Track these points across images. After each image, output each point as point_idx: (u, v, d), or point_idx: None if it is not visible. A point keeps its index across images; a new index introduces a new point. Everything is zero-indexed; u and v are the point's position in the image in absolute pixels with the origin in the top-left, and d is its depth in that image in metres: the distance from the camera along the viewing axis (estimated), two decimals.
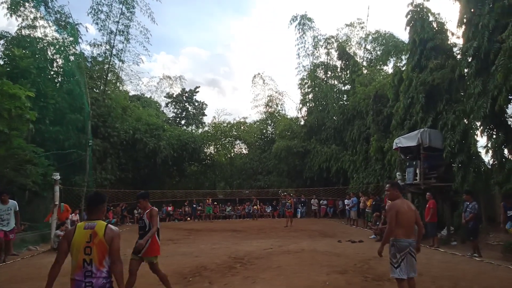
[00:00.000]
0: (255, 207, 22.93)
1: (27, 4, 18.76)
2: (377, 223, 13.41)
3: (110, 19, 22.58)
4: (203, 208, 23.84)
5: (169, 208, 23.05)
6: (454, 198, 11.93)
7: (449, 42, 13.42)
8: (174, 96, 38.70)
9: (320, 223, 19.29)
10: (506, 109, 9.93)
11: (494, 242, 9.87)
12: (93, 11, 22.09)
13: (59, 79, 19.24)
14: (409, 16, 14.24)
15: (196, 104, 39.54)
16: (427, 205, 10.71)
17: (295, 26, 27.27)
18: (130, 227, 18.74)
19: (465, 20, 11.09)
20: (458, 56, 12.50)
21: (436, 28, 13.61)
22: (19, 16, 18.57)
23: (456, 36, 13.08)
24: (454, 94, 12.31)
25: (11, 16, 18.26)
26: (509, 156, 9.91)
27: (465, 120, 11.44)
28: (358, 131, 20.36)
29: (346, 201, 19.04)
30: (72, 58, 19.58)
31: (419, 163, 12.53)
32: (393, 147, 14.19)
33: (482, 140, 11.00)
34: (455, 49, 13.25)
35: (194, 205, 23.40)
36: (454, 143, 11.37)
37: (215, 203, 24.83)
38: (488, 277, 6.53)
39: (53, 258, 3.13)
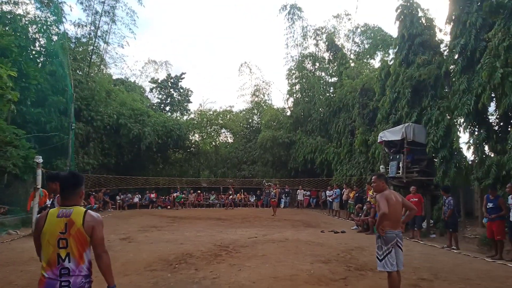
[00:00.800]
0: (230, 196, 22.94)
1: None
2: (360, 214, 13.68)
3: None
4: (187, 196, 23.86)
5: (152, 195, 22.90)
6: (434, 192, 12.28)
7: (436, 39, 13.64)
8: (159, 81, 38.09)
9: (303, 213, 19.55)
10: (489, 107, 10.20)
11: (471, 235, 10.25)
12: None
13: (42, 60, 18.63)
14: (399, 11, 14.33)
15: (182, 90, 39.05)
16: (414, 199, 10.64)
17: (285, 16, 27.17)
18: (112, 213, 18.59)
19: (453, 17, 11.27)
20: (445, 53, 12.72)
21: (425, 24, 13.78)
22: None
23: (443, 33, 13.33)
24: (440, 90, 12.57)
25: None
26: (489, 152, 10.23)
27: (449, 116, 11.71)
28: (344, 123, 20.55)
29: (328, 193, 19.32)
30: (55, 38, 18.94)
31: (402, 157, 12.79)
32: (378, 141, 14.40)
33: (464, 137, 11.32)
34: (442, 46, 13.50)
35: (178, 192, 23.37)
36: (437, 138, 11.64)
37: (199, 191, 24.82)
38: (465, 269, 6.77)
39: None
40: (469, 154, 11.19)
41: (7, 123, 12.82)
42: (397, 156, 13.27)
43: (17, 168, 12.69)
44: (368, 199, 13.65)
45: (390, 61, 16.52)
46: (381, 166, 13.95)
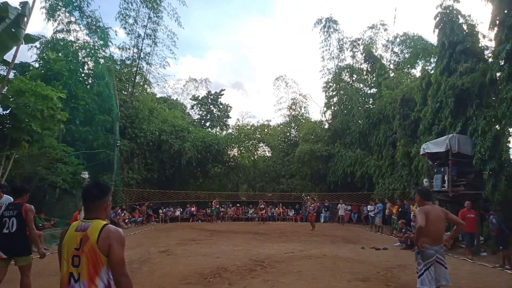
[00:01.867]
0: (262, 211, 22.32)
1: (63, 9, 19.66)
2: (403, 230, 13.07)
3: (137, 23, 23.31)
4: (226, 210, 24.12)
5: (193, 209, 23.38)
6: (483, 207, 11.46)
7: (480, 45, 12.95)
8: (200, 98, 39.35)
9: (343, 229, 19.00)
10: None
11: None
12: (121, 16, 22.80)
13: (90, 81, 20.03)
14: (437, 19, 13.85)
15: (221, 106, 40.04)
16: (471, 215, 9.99)
17: (320, 29, 27.10)
18: (155, 226, 19.18)
19: (497, 21, 10.69)
20: (490, 60, 12.05)
21: (467, 31, 13.18)
22: (55, 20, 19.50)
23: (487, 39, 12.62)
24: (485, 98, 11.86)
25: (48, 20, 19.21)
26: None
27: (497, 126, 11.00)
28: (384, 135, 19.93)
29: (369, 207, 18.66)
30: (102, 61, 20.38)
31: (447, 170, 12.12)
32: (421, 153, 13.80)
33: None
34: (486, 52, 12.80)
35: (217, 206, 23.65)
36: (485, 149, 10.94)
37: (238, 205, 24.99)
38: None
39: None
40: None
41: (57, 141, 13.81)
42: (442, 169, 12.59)
43: (67, 183, 13.58)
44: (412, 214, 13.04)
45: (431, 70, 15.91)
46: (425, 180, 13.31)
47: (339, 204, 21.60)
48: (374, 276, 7.21)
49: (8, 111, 10.73)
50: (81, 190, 2.59)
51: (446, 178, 12.14)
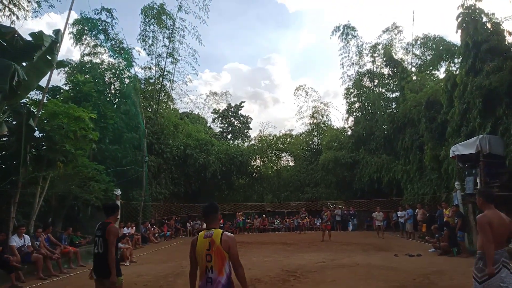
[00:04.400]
0: (304, 220, 22.18)
1: (89, 33, 20.59)
2: (436, 236, 12.73)
3: (158, 43, 24.02)
4: (252, 221, 24.16)
5: (220, 221, 23.54)
6: None
7: (506, 43, 12.61)
8: (220, 111, 39.88)
9: (373, 236, 18.64)
10: None
11: None
12: (141, 38, 23.59)
13: (116, 101, 20.74)
14: (460, 19, 13.63)
15: (241, 118, 40.43)
16: None
17: (338, 36, 27.13)
18: (183, 240, 19.42)
19: None
20: None
21: (491, 29, 12.88)
22: (82, 44, 20.43)
23: None
24: None
25: (76, 45, 20.17)
26: None
27: None
28: (410, 139, 19.56)
29: (399, 213, 18.22)
30: (127, 80, 21.11)
31: (479, 172, 11.78)
32: (450, 155, 13.48)
33: None
34: None
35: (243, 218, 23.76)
36: None
37: (264, 215, 24.98)
38: None
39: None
40: None
41: (89, 160, 14.34)
42: (473, 171, 12.25)
43: (99, 201, 14.02)
44: (445, 219, 12.70)
45: (456, 71, 15.60)
46: (456, 183, 12.98)
47: (376, 213, 19.16)
48: (410, 284, 7.08)
49: (43, 134, 11.29)
50: (202, 208, 3.51)
51: (478, 180, 11.79)
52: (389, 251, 12.53)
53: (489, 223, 4.08)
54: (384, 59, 24.96)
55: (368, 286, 6.94)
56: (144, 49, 23.83)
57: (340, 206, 25.32)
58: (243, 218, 23.79)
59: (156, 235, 18.59)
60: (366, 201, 22.47)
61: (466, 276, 7.67)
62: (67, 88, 17.60)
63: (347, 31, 26.74)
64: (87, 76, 18.28)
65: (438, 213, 14.03)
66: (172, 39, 24.39)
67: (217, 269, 3.06)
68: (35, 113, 10.60)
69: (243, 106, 40.70)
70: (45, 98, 11.94)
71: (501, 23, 12.92)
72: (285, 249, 13.90)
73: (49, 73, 10.67)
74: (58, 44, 10.21)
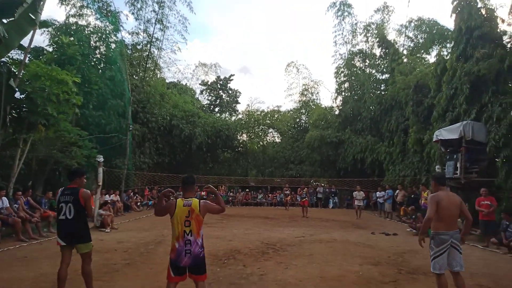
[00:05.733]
0: (288, 197, 22.25)
1: None
2: (413, 216, 13.11)
3: (147, 9, 23.18)
4: (235, 194, 24.43)
5: (203, 193, 23.63)
6: (496, 195, 11.38)
7: (498, 30, 12.59)
8: (209, 83, 39.24)
9: (352, 214, 19.07)
10: None
11: None
12: (130, 1, 22.72)
13: (102, 66, 20.10)
14: (455, 3, 13.49)
15: (230, 92, 39.94)
16: (486, 201, 9.82)
17: (334, 13, 26.69)
18: None
19: None
20: (508, 45, 11.75)
21: (485, 15, 12.79)
22: (67, 4, 19.51)
23: (507, 23, 12.25)
24: (502, 85, 11.61)
25: (61, 4, 19.25)
26: None
27: None
28: (396, 121, 19.77)
29: (378, 194, 18.67)
30: (113, 45, 20.38)
31: (460, 157, 12.04)
32: (433, 140, 13.70)
33: None
34: (505, 38, 12.42)
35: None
36: (500, 136, 10.79)
37: (247, 190, 25.22)
38: None
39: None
40: None
41: (72, 125, 14.00)
42: (454, 156, 12.52)
43: (81, 167, 13.81)
44: (423, 201, 13.04)
45: (447, 56, 15.61)
46: (437, 166, 13.25)
47: (356, 192, 18.10)
48: (385, 261, 7.29)
49: (24, 95, 10.91)
50: (182, 179, 3.96)
51: (458, 165, 12.08)
52: (367, 229, 12.86)
53: (437, 202, 4.49)
54: (377, 39, 24.77)
55: (344, 261, 7.13)
56: (133, 13, 23.03)
57: (322, 184, 25.72)
58: (226, 191, 24.03)
59: (138, 203, 18.60)
60: (348, 180, 22.90)
61: None
62: (50, 49, 16.88)
63: (342, 8, 26.33)
64: (72, 38, 17.56)
65: (416, 195, 14.45)
66: (162, 4, 23.58)
67: (195, 232, 3.66)
68: (16, 73, 10.18)
69: (232, 80, 40.17)
70: (27, 58, 11.44)
71: (495, 9, 12.86)
72: (266, 223, 14.11)
73: (31, 32, 10.17)
74: (41, 2, 9.69)
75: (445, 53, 18.30)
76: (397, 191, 16.69)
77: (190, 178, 3.99)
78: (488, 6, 12.94)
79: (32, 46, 11.70)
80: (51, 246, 8.34)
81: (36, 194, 12.22)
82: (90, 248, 4.61)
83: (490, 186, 11.30)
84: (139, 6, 22.80)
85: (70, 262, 4.60)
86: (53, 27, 18.91)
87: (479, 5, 13.00)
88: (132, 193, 18.52)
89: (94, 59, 19.76)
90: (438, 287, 4.50)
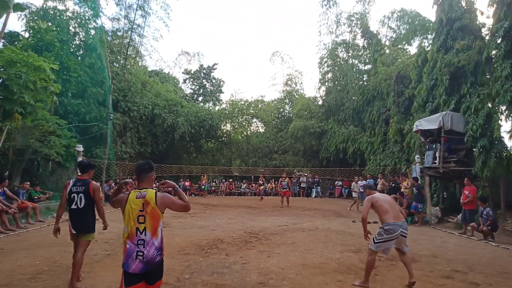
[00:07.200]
0: (261, 188, 22.26)
1: None
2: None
3: None
4: (218, 184, 24.43)
5: (187, 183, 23.55)
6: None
7: (477, 22, 12.82)
8: (192, 72, 38.71)
9: (334, 203, 19.39)
10: None
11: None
12: None
13: (81, 53, 19.51)
14: None
15: (214, 81, 39.47)
16: (466, 191, 10.17)
17: (319, 2, 26.63)
18: None
19: None
20: (487, 37, 11.99)
21: (465, 7, 13.02)
22: None
23: (485, 16, 12.45)
24: (480, 76, 11.90)
25: None
26: None
27: (490, 104, 11.10)
28: (378, 112, 20.06)
29: (359, 183, 18.97)
30: (93, 32, 19.76)
31: (439, 147, 12.34)
32: (413, 130, 13.96)
33: (506, 125, 10.67)
34: (483, 30, 12.67)
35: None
36: (477, 127, 11.09)
37: (231, 180, 25.24)
38: (504, 262, 6.51)
39: None
40: (510, 143, 10.59)
41: (50, 113, 13.57)
42: (434, 146, 12.83)
43: (60, 156, 13.46)
44: (401, 190, 13.33)
45: (428, 47, 15.84)
46: (416, 156, 13.54)
47: (353, 183, 17.65)
48: (365, 248, 7.40)
49: None
50: (136, 165, 3.24)
51: (437, 154, 12.37)
52: (348, 217, 13.11)
53: (375, 201, 5.16)
54: (361, 30, 24.89)
55: (326, 249, 7.25)
56: None
57: (305, 174, 25.97)
58: (208, 181, 24.01)
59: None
60: (330, 170, 23.22)
61: (417, 243, 8.20)
62: (26, 35, 16.24)
63: None
64: (50, 24, 16.91)
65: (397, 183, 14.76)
66: None
67: (151, 230, 2.93)
68: None
69: (216, 68, 39.64)
70: (1, 44, 10.97)
71: (474, 2, 13.08)
72: (249, 213, 14.18)
73: (4, 16, 9.72)
74: None
75: (426, 44, 18.56)
76: (378, 180, 16.98)
77: (146, 164, 3.20)
78: None
79: (6, 31, 11.22)
80: (29, 238, 8.17)
81: (13, 185, 11.87)
82: (91, 238, 4.81)
83: (467, 175, 11.65)
84: None
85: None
86: (30, 11, 18.19)
87: None
88: (113, 184, 18.24)
89: (73, 46, 19.12)
90: (369, 261, 4.97)
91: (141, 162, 3.25)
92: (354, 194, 17.02)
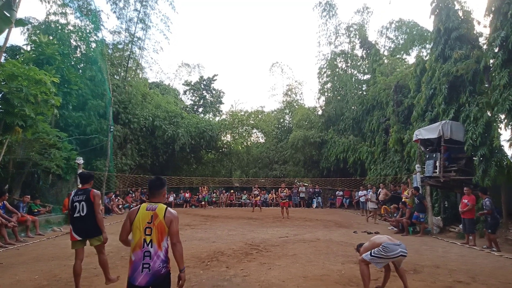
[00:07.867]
0: (257, 198, 21.64)
1: None
2: (395, 215, 13.33)
3: (129, 7, 22.86)
4: (218, 195, 24.33)
5: (187, 195, 23.47)
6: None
7: (475, 32, 12.95)
8: (192, 84, 38.97)
9: (335, 213, 19.27)
10: None
11: None
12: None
13: (82, 66, 19.68)
14: (434, 4, 13.81)
15: (214, 92, 39.76)
16: (465, 200, 10.09)
17: (318, 13, 26.95)
18: None
19: (493, 8, 10.65)
20: (484, 46, 12.09)
21: (462, 17, 13.17)
22: (48, 2, 19.04)
23: (482, 25, 12.67)
24: (478, 85, 11.95)
25: (42, 2, 18.78)
26: None
27: (489, 113, 11.11)
28: (377, 121, 20.09)
29: (360, 193, 18.97)
30: (94, 45, 19.96)
31: (439, 156, 12.33)
32: (413, 139, 13.97)
33: (505, 134, 10.67)
34: (481, 39, 12.81)
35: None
36: (476, 136, 11.09)
37: (231, 190, 25.15)
38: (507, 272, 6.44)
39: None
40: (511, 152, 10.57)
41: (50, 126, 13.64)
42: (434, 155, 12.80)
43: (60, 169, 13.47)
44: (403, 200, 13.27)
45: (426, 56, 15.96)
46: (417, 165, 13.51)
47: (371, 193, 16.08)
48: None
49: (0, 96, 10.56)
50: (148, 182, 3.37)
51: (437, 163, 12.35)
52: (349, 228, 13.02)
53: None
54: (359, 40, 25.11)
55: (327, 260, 7.18)
56: (114, 11, 22.69)
57: (305, 184, 25.88)
58: (208, 192, 23.92)
59: (120, 206, 18.27)
60: (331, 180, 23.16)
61: (419, 253, 8.14)
62: (28, 49, 16.43)
63: (328, 8, 26.59)
64: (51, 37, 17.10)
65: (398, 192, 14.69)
66: (144, 3, 23.28)
67: (156, 242, 3.02)
68: None
69: (216, 80, 40.00)
70: (3, 57, 11.08)
71: (471, 12, 13.21)
72: (250, 224, 14.09)
73: (6, 31, 9.84)
74: (17, 0, 9.38)
75: (425, 53, 18.74)
76: (379, 190, 16.90)
77: (158, 180, 3.33)
78: (465, 8, 13.30)
79: (8, 45, 11.32)
80: (28, 252, 8.12)
81: (13, 198, 11.85)
82: (102, 240, 5.09)
83: (468, 184, 11.61)
84: (121, 5, 22.54)
85: (84, 257, 5.08)
86: (32, 25, 18.42)
87: (457, 6, 13.35)
88: (113, 196, 18.19)
89: (74, 59, 19.31)
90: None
91: (153, 179, 3.37)
92: (371, 205, 15.67)
